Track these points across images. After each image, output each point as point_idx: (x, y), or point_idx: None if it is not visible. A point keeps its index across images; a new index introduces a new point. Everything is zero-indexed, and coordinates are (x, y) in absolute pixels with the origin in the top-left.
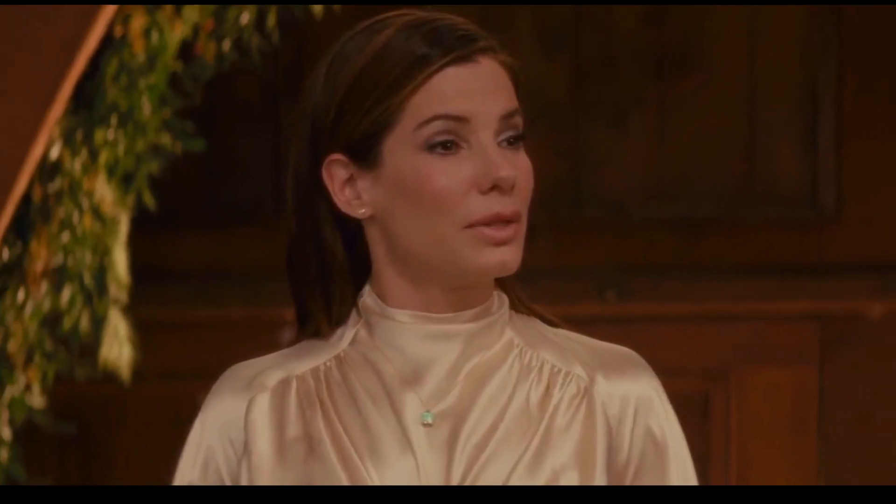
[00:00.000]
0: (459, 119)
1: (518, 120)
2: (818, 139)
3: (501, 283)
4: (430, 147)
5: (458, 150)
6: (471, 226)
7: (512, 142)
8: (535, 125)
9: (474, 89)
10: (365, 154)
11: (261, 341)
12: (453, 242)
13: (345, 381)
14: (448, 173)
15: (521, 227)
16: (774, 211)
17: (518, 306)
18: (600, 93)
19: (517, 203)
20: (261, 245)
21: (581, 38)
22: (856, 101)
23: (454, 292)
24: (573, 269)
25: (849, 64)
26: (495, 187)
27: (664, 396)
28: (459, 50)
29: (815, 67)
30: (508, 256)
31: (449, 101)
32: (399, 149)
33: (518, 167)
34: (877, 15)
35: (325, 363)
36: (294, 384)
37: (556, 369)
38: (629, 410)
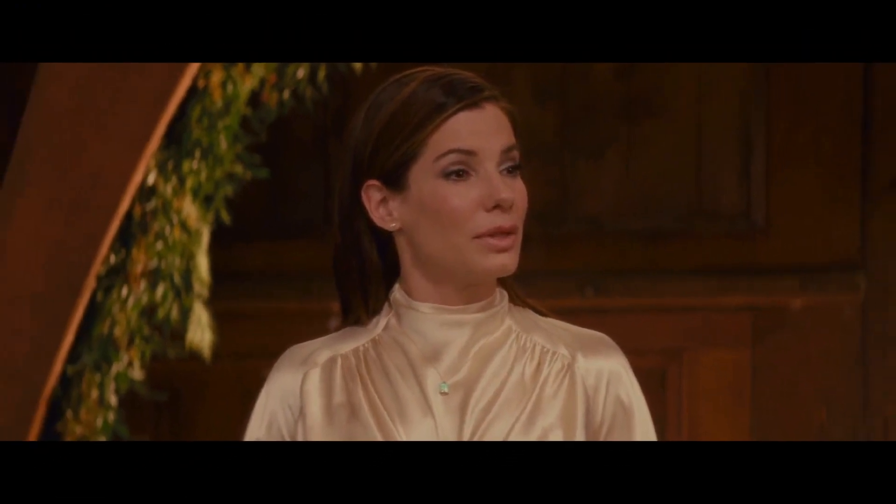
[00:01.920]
0: (469, 153)
1: (515, 153)
2: (752, 168)
3: (502, 282)
4: (446, 175)
5: (468, 177)
6: (478, 237)
7: (511, 170)
8: (530, 158)
9: (481, 129)
10: (395, 180)
11: (311, 328)
12: (464, 250)
13: (379, 359)
14: (460, 196)
15: (518, 238)
16: (717, 225)
17: (515, 300)
18: (581, 132)
19: (515, 218)
20: (312, 253)
21: (566, 89)
22: (782, 139)
23: (465, 289)
24: (559, 271)
25: (776, 109)
26: (497, 206)
27: (630, 371)
28: (469, 98)
29: (749, 112)
30: (508, 261)
31: (461, 139)
32: (422, 176)
33: (515, 190)
34: (799, 70)
35: (363, 345)
36: (339, 361)
37: (545, 349)
38: (603, 382)
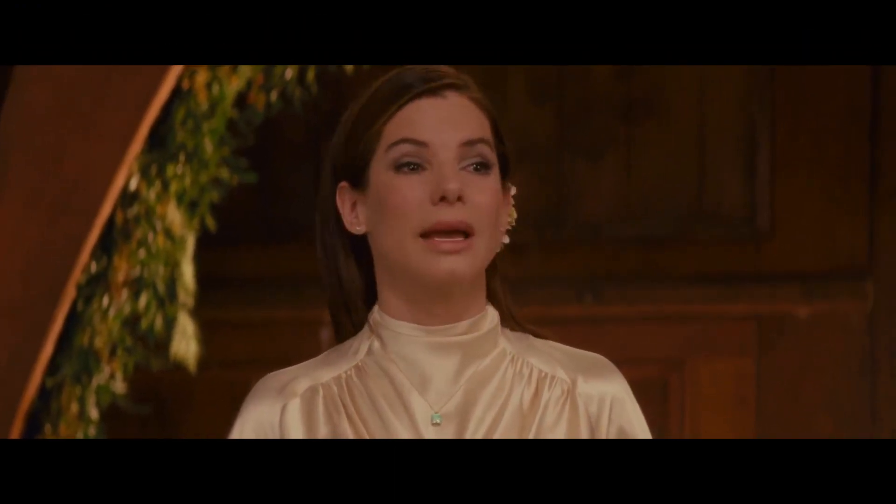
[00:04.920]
0: (420, 143)
1: (482, 148)
2: (756, 171)
3: (495, 300)
4: (398, 167)
5: (421, 170)
6: (424, 235)
7: (478, 168)
8: (526, 160)
9: (437, 118)
10: (359, 180)
11: (302, 336)
12: (409, 250)
13: (364, 388)
14: (407, 188)
15: (476, 241)
16: (720, 230)
17: (511, 323)
18: (580, 134)
19: (466, 215)
20: (302, 258)
21: (564, 89)
22: (786, 140)
23: (433, 303)
24: (556, 278)
25: (780, 110)
26: (443, 199)
27: (631, 394)
28: (426, 85)
29: (753, 113)
30: (457, 266)
31: (413, 128)
32: (378, 170)
33: (479, 189)
34: (802, 71)
35: (345, 372)
36: (321, 391)
37: (542, 374)
38: (605, 409)
